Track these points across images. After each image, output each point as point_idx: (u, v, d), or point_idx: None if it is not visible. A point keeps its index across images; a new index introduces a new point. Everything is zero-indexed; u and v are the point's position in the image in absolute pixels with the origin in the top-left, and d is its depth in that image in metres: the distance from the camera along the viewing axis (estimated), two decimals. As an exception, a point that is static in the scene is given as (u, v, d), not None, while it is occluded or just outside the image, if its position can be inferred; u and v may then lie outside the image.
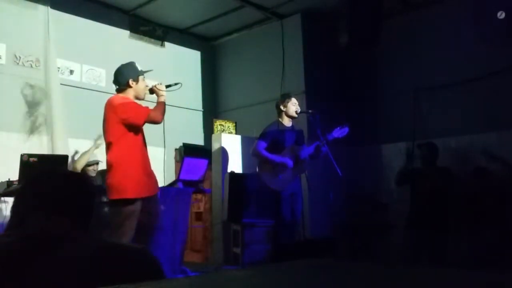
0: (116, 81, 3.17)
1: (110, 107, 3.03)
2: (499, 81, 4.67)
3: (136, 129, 3.05)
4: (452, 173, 4.35)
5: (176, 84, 3.32)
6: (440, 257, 4.10)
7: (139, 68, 3.17)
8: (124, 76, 3.12)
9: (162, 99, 3.16)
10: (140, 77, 3.14)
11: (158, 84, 3.23)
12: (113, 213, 2.99)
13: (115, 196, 2.94)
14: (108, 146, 3.03)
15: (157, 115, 3.05)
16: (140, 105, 3.09)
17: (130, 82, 3.10)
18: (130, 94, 3.13)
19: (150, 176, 3.14)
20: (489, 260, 3.87)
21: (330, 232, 3.89)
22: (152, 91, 3.22)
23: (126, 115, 2.98)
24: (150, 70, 3.26)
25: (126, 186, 2.95)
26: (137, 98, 3.16)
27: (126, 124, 2.99)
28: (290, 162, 3.95)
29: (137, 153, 3.06)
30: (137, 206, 2.96)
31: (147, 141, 3.23)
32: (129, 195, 2.94)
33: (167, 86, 3.27)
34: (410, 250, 4.39)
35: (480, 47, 4.80)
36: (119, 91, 3.16)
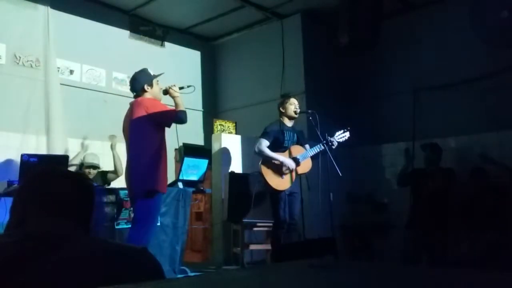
0: (132, 88, 3.39)
1: (140, 106, 3.22)
2: (499, 81, 4.67)
3: (163, 128, 3.27)
4: (455, 173, 4.35)
5: (189, 86, 3.51)
6: (441, 257, 4.10)
7: (152, 73, 3.38)
8: (139, 83, 3.33)
9: (178, 100, 3.35)
10: (154, 81, 3.35)
11: (172, 86, 3.39)
12: (142, 206, 3.13)
13: (146, 189, 3.11)
14: (135, 142, 3.21)
15: (183, 116, 3.26)
16: (167, 106, 3.33)
17: (145, 87, 3.30)
18: (147, 97, 3.34)
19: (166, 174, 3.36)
20: (489, 260, 3.87)
21: (330, 232, 3.88)
22: (166, 92, 3.40)
23: (156, 114, 3.18)
24: (162, 74, 3.44)
25: (156, 181, 3.14)
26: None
27: (156, 123, 3.18)
28: (292, 164, 3.99)
29: (163, 150, 3.27)
30: (161, 201, 3.19)
31: None
32: (159, 188, 3.15)
33: (180, 88, 3.44)
34: (410, 250, 4.39)
35: (480, 47, 4.80)
36: (136, 97, 3.36)
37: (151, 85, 3.32)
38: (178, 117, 3.24)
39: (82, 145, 4.65)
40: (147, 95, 3.30)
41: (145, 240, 3.04)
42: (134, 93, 3.37)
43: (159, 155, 3.21)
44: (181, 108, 3.30)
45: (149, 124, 3.16)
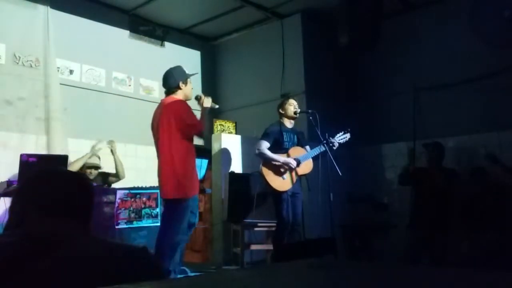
0: (166, 84, 3.43)
1: (171, 108, 3.28)
2: (499, 81, 4.67)
3: (186, 137, 3.33)
4: (457, 173, 4.35)
5: (217, 107, 3.74)
6: (441, 257, 4.10)
7: (187, 71, 3.47)
8: (175, 79, 3.39)
9: (205, 111, 3.49)
10: (188, 80, 3.44)
11: (207, 96, 3.55)
12: (173, 210, 3.23)
13: (179, 195, 3.20)
14: (166, 145, 3.25)
15: (204, 131, 3.41)
16: (196, 115, 3.40)
17: (180, 84, 3.38)
18: (180, 95, 3.40)
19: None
20: (489, 260, 3.87)
21: (330, 232, 3.88)
22: (199, 98, 3.54)
23: (184, 124, 3.25)
24: (196, 73, 3.58)
25: (188, 185, 3.23)
26: (186, 98, 3.44)
27: (181, 132, 3.25)
28: (294, 163, 3.99)
29: (193, 154, 3.35)
30: (189, 204, 3.26)
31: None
32: (190, 194, 3.24)
33: (212, 105, 3.59)
34: (411, 250, 4.39)
35: (480, 47, 4.80)
36: (168, 93, 3.41)
37: (185, 83, 3.40)
38: (201, 132, 3.37)
39: (92, 147, 4.66)
40: (179, 93, 3.38)
41: (174, 241, 3.17)
42: (166, 89, 3.43)
43: (188, 160, 3.28)
44: (204, 120, 3.43)
45: (177, 130, 3.24)
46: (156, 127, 3.35)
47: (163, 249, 3.13)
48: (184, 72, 3.45)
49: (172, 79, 3.39)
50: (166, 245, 3.15)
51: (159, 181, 3.33)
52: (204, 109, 3.48)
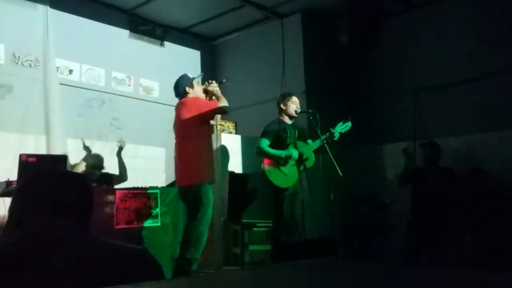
0: (177, 93, 3.74)
1: (183, 105, 3.60)
2: (499, 81, 4.66)
3: (207, 122, 3.61)
4: (454, 173, 4.35)
5: (226, 80, 3.98)
6: (440, 257, 4.10)
7: (191, 76, 3.77)
8: (181, 86, 3.71)
9: (217, 93, 3.70)
10: (194, 82, 3.72)
11: (210, 83, 3.76)
12: (199, 196, 3.39)
13: (197, 180, 3.40)
14: (181, 140, 3.56)
15: (224, 106, 3.60)
16: (208, 101, 3.68)
17: (187, 89, 3.67)
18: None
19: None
20: (489, 260, 3.87)
21: (330, 232, 3.88)
22: (205, 90, 3.75)
23: (199, 108, 3.53)
24: (201, 75, 3.92)
25: (201, 174, 3.45)
26: None
27: (199, 117, 3.49)
28: (295, 153, 3.97)
29: (208, 143, 3.60)
30: (210, 191, 3.47)
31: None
32: (205, 180, 3.43)
33: (220, 83, 3.82)
34: (410, 250, 4.39)
35: (480, 47, 4.80)
36: (181, 99, 3.70)
37: (191, 86, 3.67)
38: (220, 107, 3.59)
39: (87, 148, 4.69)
40: (190, 96, 3.65)
41: (202, 230, 3.37)
42: (179, 97, 3.71)
43: (203, 149, 3.51)
44: (222, 99, 3.64)
45: (193, 119, 3.48)
46: (174, 124, 3.66)
47: (190, 237, 3.34)
48: (188, 77, 3.72)
49: (179, 87, 3.69)
50: (192, 234, 3.35)
51: (179, 171, 3.54)
52: (215, 92, 3.69)
